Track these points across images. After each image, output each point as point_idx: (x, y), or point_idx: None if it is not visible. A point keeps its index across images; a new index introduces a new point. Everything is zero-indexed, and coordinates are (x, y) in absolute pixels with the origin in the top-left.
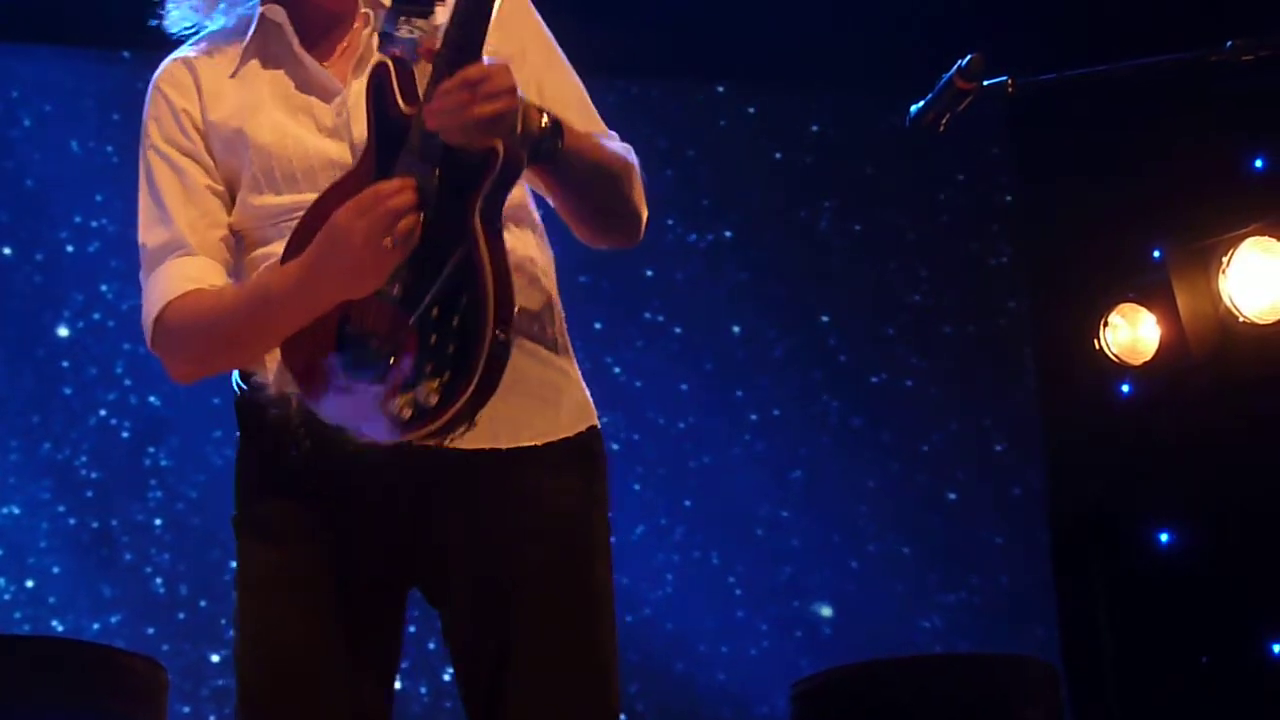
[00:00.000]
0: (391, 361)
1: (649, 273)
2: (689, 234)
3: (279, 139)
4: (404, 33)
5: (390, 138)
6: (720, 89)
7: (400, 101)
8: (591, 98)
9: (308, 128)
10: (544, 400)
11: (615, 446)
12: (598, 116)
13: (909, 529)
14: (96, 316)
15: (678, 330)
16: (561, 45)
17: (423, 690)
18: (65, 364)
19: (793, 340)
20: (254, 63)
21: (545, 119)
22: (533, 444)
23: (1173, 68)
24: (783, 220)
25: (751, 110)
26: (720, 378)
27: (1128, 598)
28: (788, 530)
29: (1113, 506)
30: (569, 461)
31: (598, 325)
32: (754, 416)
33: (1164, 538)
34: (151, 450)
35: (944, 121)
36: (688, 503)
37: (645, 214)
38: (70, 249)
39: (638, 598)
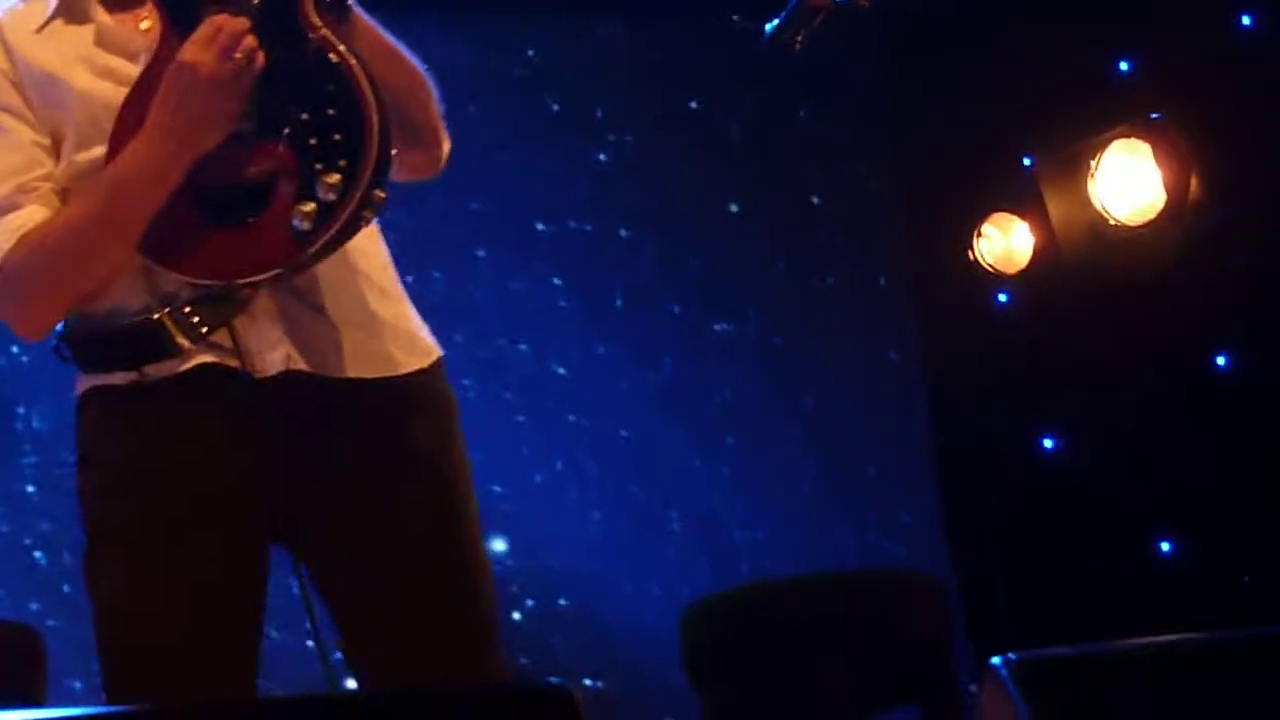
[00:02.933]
0: (274, 185)
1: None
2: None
3: (98, 92)
4: None
5: (185, 11)
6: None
7: None
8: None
9: (115, 82)
10: (395, 331)
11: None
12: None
13: (796, 451)
14: None
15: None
16: None
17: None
18: None
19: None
20: (58, 21)
21: None
22: (388, 375)
23: None
24: (656, 148)
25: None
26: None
27: (1015, 507)
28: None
29: (995, 416)
30: (424, 395)
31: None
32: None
33: (1048, 444)
34: (21, 411)
35: (799, 40)
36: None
37: (447, 144)
38: None
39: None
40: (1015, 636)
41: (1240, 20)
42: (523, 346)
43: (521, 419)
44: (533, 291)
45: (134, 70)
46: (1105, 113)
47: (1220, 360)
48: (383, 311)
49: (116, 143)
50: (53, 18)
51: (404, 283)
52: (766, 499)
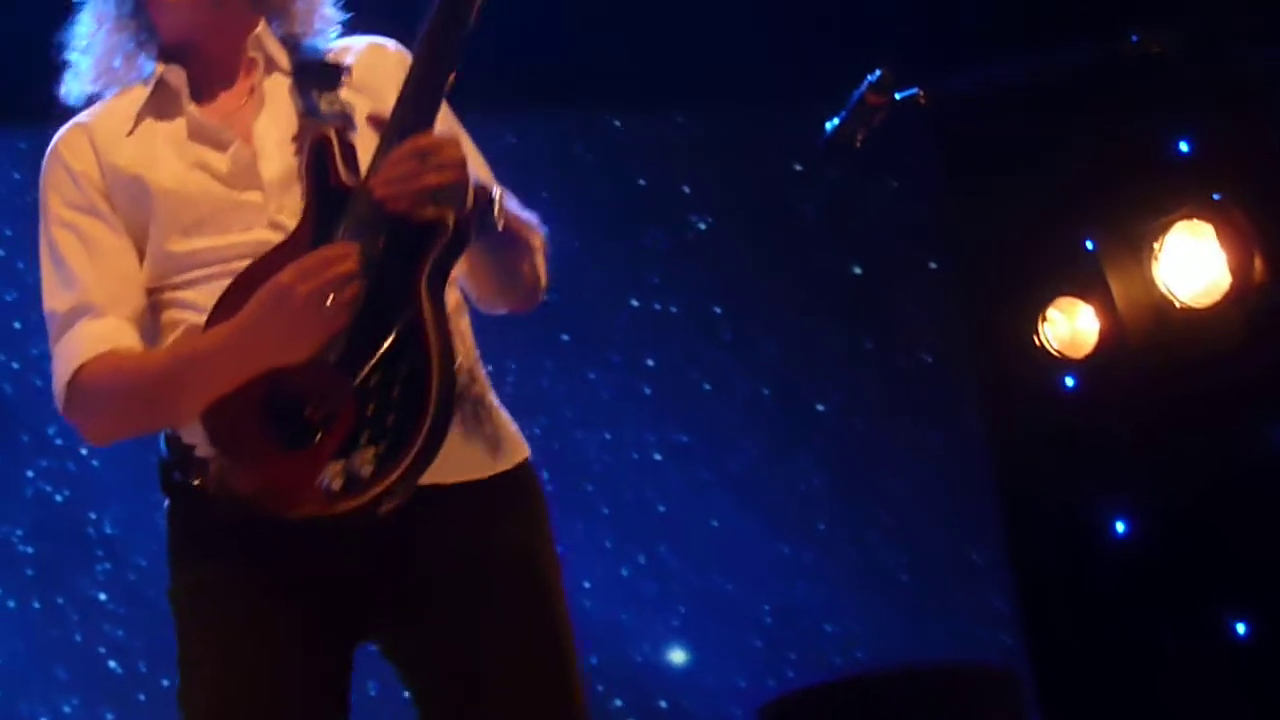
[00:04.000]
0: (325, 429)
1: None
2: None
3: (181, 185)
4: (326, 107)
5: (330, 207)
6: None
7: (342, 171)
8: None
9: (207, 174)
10: (481, 437)
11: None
12: (489, 172)
13: (860, 534)
14: (17, 371)
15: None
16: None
17: None
18: None
19: (734, 357)
20: (149, 120)
21: (487, 192)
22: (475, 478)
23: (1083, 64)
24: (726, 231)
25: (669, 141)
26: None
27: (1087, 592)
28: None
29: (1066, 501)
30: (511, 495)
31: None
32: (680, 450)
33: (1120, 528)
34: (93, 517)
35: (860, 138)
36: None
37: (545, 283)
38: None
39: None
40: None
41: None
42: (607, 435)
43: (606, 511)
44: (610, 380)
45: (223, 163)
46: (1167, 194)
47: None
48: (474, 411)
49: (222, 306)
50: (142, 117)
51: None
52: (852, 587)
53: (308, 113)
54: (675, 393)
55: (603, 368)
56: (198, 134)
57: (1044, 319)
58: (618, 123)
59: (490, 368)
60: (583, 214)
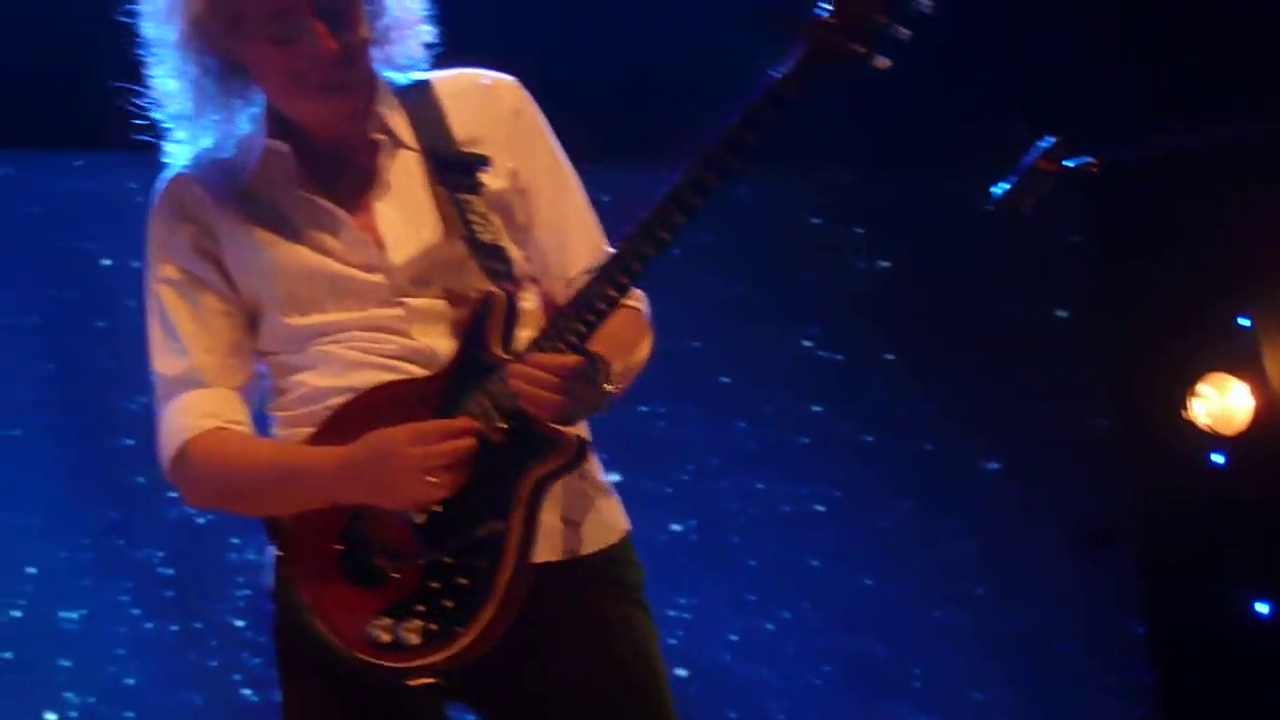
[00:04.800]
0: (389, 581)
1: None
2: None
3: (299, 263)
4: (458, 196)
5: (472, 371)
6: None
7: (498, 343)
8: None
9: (326, 255)
10: (586, 510)
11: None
12: (602, 236)
13: (1009, 601)
14: None
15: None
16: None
17: None
18: (137, 450)
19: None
20: (261, 192)
21: (609, 388)
22: (579, 555)
23: (1248, 139)
24: (849, 309)
25: (832, 200)
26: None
27: (1228, 671)
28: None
29: (1210, 578)
30: (613, 569)
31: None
32: (829, 507)
33: (1263, 610)
34: (235, 542)
35: (1028, 204)
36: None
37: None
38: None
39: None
40: None
41: None
42: (760, 485)
43: (753, 563)
44: (760, 432)
45: (342, 245)
46: None
47: None
48: (577, 486)
49: (335, 423)
50: (254, 185)
51: (630, 421)
52: (998, 654)
53: (451, 225)
54: (830, 445)
55: (752, 418)
56: (315, 213)
57: (1194, 394)
58: (780, 175)
59: (644, 408)
60: (742, 261)
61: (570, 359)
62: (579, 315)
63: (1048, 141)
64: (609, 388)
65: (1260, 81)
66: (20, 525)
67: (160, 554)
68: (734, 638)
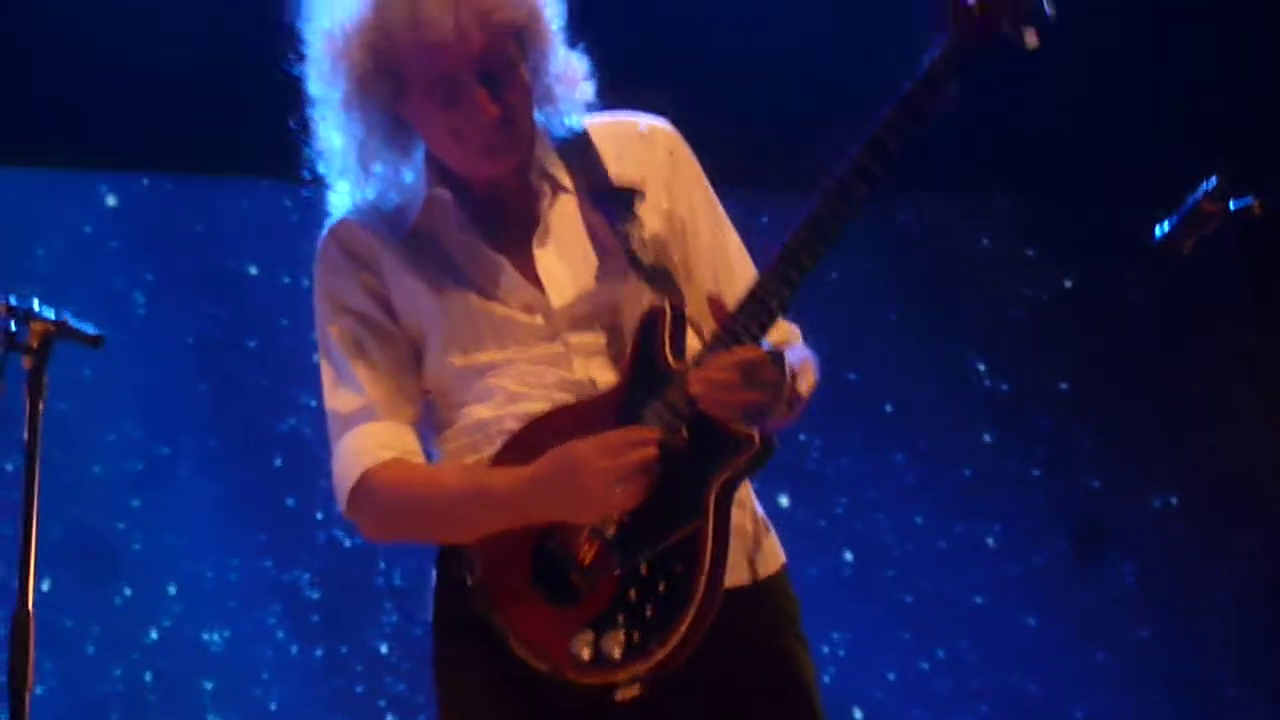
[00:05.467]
0: (585, 597)
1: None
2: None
3: (462, 308)
4: (623, 240)
5: (647, 383)
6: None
7: (669, 353)
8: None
9: (489, 299)
10: (748, 540)
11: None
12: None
13: (1174, 643)
14: (316, 412)
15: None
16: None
17: None
18: (287, 471)
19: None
20: (425, 237)
21: (800, 391)
22: (741, 584)
23: None
24: (1016, 337)
25: (993, 230)
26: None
27: None
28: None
29: None
30: (769, 600)
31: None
32: (991, 542)
33: None
34: (383, 566)
35: (1190, 244)
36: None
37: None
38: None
39: None
40: None
41: None
42: (918, 519)
43: (908, 599)
44: (916, 464)
45: (505, 291)
46: None
47: None
48: (740, 520)
49: (515, 446)
50: (417, 230)
51: (787, 454)
52: (1163, 699)
53: (612, 257)
54: (992, 479)
55: (908, 450)
56: (476, 258)
57: None
58: (939, 200)
59: (803, 436)
60: (902, 287)
61: (750, 351)
62: (753, 314)
63: (1211, 182)
64: (801, 390)
65: None
66: (169, 544)
67: (307, 576)
68: (891, 676)
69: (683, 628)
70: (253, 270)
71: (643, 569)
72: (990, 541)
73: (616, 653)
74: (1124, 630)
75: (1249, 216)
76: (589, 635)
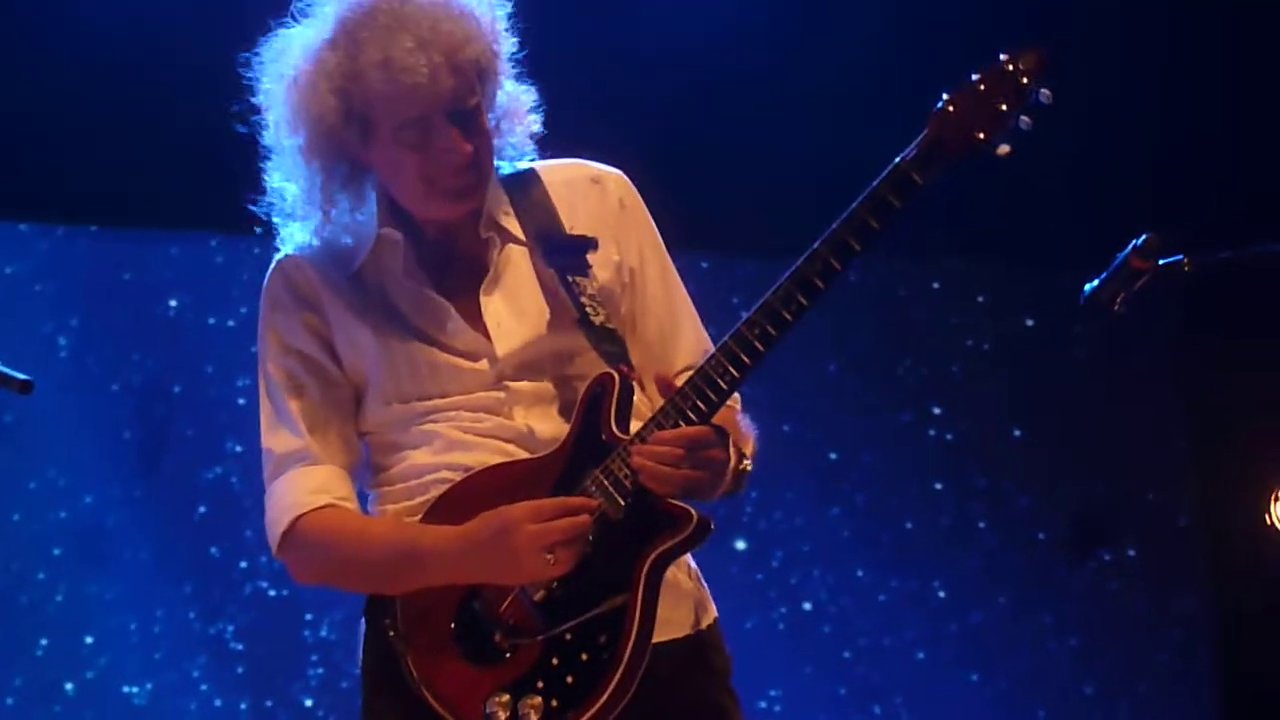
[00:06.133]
0: (507, 659)
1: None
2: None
3: (406, 352)
4: (569, 288)
5: (589, 451)
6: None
7: (614, 422)
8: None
9: (432, 345)
10: (681, 597)
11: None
12: (703, 330)
13: (1111, 700)
14: (249, 461)
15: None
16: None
17: None
18: (212, 520)
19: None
20: (373, 277)
21: (743, 467)
22: (671, 638)
23: None
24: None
25: (935, 285)
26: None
27: None
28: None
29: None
30: (701, 654)
31: None
32: (884, 597)
33: None
34: (310, 619)
35: (1119, 300)
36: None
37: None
38: (236, 401)
39: None
40: None
41: None
42: (858, 573)
43: (845, 655)
44: (850, 520)
45: (449, 334)
46: None
47: None
48: (676, 577)
49: (447, 502)
50: (364, 271)
51: (723, 506)
52: None
53: (561, 310)
54: (932, 533)
55: (845, 504)
56: (422, 303)
57: (1276, 499)
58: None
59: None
60: (842, 341)
61: (695, 429)
62: (701, 392)
63: (1141, 239)
64: (746, 465)
65: None
66: (92, 595)
67: (232, 628)
68: None
69: (602, 699)
70: (176, 313)
71: (567, 637)
72: (930, 596)
73: (533, 717)
74: (1065, 688)
75: (1179, 273)
76: (505, 698)
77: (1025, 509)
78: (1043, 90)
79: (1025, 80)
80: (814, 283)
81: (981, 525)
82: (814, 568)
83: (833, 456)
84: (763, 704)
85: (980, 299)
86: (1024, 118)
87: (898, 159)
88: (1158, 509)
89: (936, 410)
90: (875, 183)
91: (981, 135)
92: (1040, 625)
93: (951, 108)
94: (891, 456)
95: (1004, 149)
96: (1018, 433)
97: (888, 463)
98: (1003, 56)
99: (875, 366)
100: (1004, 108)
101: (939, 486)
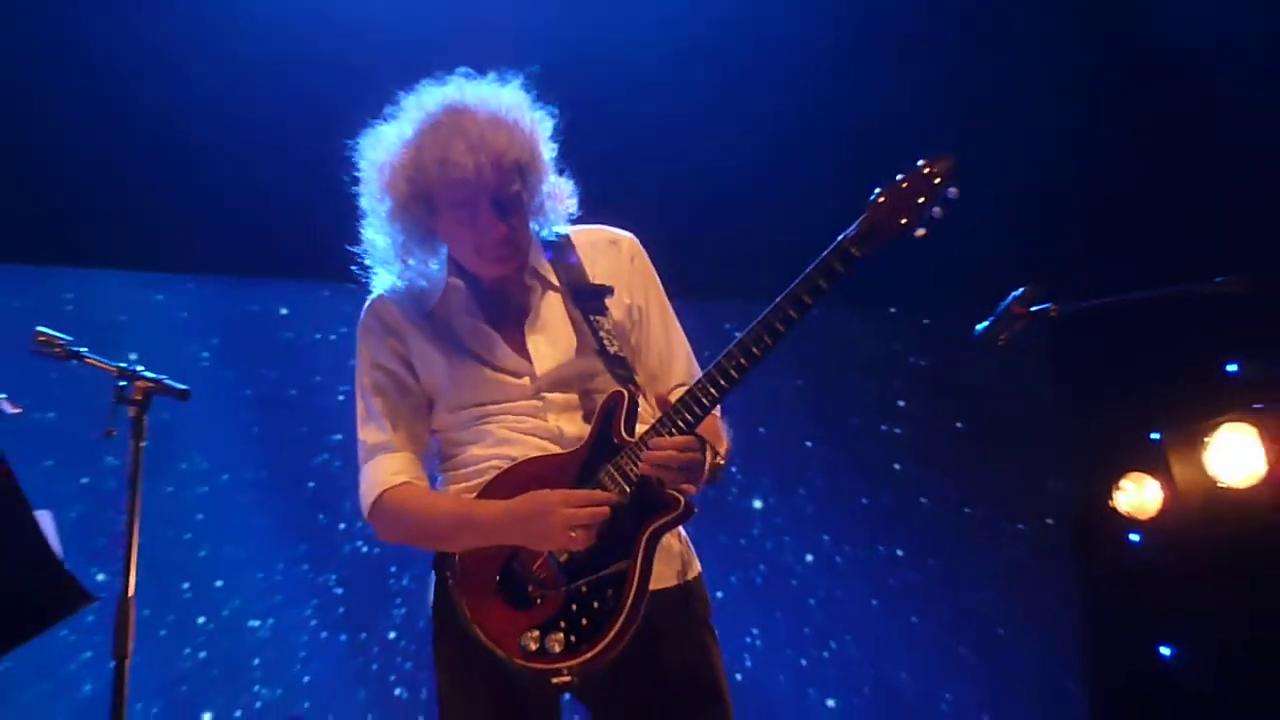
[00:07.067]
0: (537, 605)
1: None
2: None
3: (466, 373)
4: (595, 328)
5: (604, 449)
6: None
7: (623, 429)
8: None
9: (488, 367)
10: (676, 558)
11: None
12: (693, 357)
13: (966, 649)
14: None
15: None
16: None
17: None
18: (319, 495)
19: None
20: (443, 315)
21: (719, 462)
22: (664, 587)
23: (1178, 296)
24: (857, 424)
25: (875, 321)
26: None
27: (1143, 691)
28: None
29: (1129, 629)
30: (688, 600)
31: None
32: (840, 559)
33: (1166, 652)
34: (394, 571)
35: (1002, 339)
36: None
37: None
38: (337, 402)
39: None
40: None
41: None
42: (824, 537)
43: (810, 602)
44: (815, 500)
45: (502, 359)
46: (1219, 402)
47: None
48: (669, 541)
49: (501, 481)
50: (437, 311)
51: (709, 490)
52: (1016, 685)
53: (585, 342)
54: (884, 510)
55: (809, 486)
56: (480, 334)
57: (1119, 488)
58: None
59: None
60: (803, 364)
61: (683, 438)
62: (689, 407)
63: (1020, 291)
64: (720, 460)
65: (1189, 251)
66: (226, 552)
67: (335, 577)
68: (803, 662)
69: (609, 637)
70: (292, 336)
71: (583, 589)
72: (876, 558)
73: (556, 649)
74: (981, 630)
75: (1048, 317)
76: (535, 634)
77: (953, 490)
78: (951, 188)
79: (938, 181)
80: (776, 328)
81: (923, 501)
82: (785, 535)
83: (804, 446)
84: (746, 639)
85: (915, 332)
86: (936, 209)
87: (841, 236)
88: (1051, 495)
89: (878, 419)
90: (824, 253)
91: (904, 221)
92: (963, 581)
93: (882, 199)
94: (847, 450)
95: (920, 232)
96: (959, 424)
97: (843, 455)
98: (920, 162)
99: (832, 381)
100: (921, 201)
101: (879, 478)
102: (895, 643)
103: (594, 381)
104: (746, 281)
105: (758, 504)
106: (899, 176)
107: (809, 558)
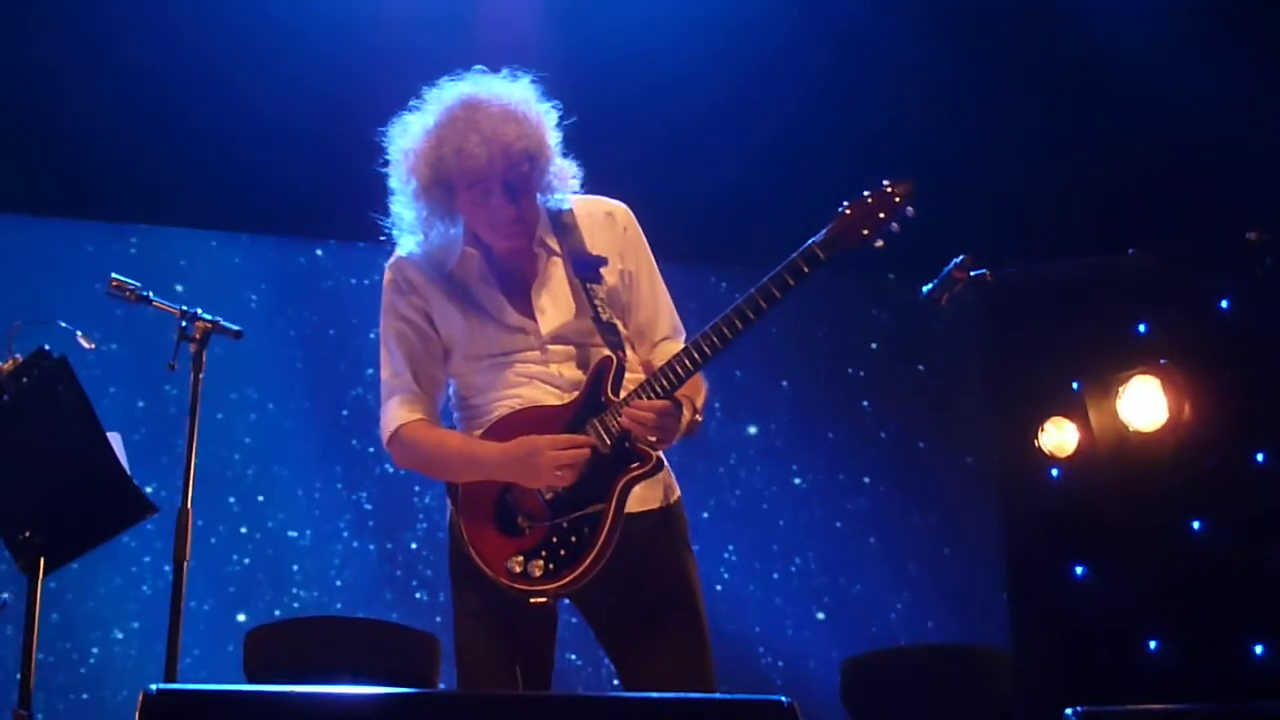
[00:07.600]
0: (524, 534)
1: None
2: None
3: (480, 327)
4: (592, 291)
5: (593, 405)
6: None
7: (610, 388)
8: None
9: (499, 325)
10: (659, 483)
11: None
12: (676, 315)
13: (914, 565)
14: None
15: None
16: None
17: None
18: (353, 422)
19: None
20: (460, 277)
21: (698, 418)
22: (648, 509)
23: (1095, 265)
24: (811, 375)
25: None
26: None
27: (1058, 607)
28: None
29: (1048, 553)
30: (669, 521)
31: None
32: (806, 485)
33: (1079, 571)
34: (418, 489)
35: (945, 299)
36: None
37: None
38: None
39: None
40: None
41: (1220, 304)
42: (793, 467)
43: (780, 523)
44: (784, 436)
45: (511, 317)
46: (1129, 357)
47: (1195, 524)
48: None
49: (503, 424)
50: (453, 273)
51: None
52: (953, 598)
53: (583, 306)
54: (848, 445)
55: (778, 423)
56: (491, 296)
57: (1043, 430)
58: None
59: (699, 417)
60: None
61: (661, 402)
62: (666, 376)
63: (960, 258)
64: (698, 417)
65: (1106, 228)
66: (272, 471)
67: (365, 494)
68: (774, 576)
69: (582, 567)
70: (332, 284)
71: (564, 525)
72: (835, 485)
73: (536, 573)
74: (928, 550)
75: (984, 282)
76: (520, 559)
77: (903, 427)
78: (909, 208)
79: (898, 200)
80: (747, 315)
81: (883, 435)
82: (757, 465)
83: (780, 386)
84: (724, 555)
85: (880, 290)
86: (895, 225)
87: (810, 240)
88: (984, 435)
89: (852, 371)
90: (794, 255)
91: (866, 233)
92: (913, 507)
93: (849, 211)
94: (813, 390)
95: (879, 243)
96: (921, 366)
97: (810, 395)
98: (885, 182)
99: (806, 331)
100: (882, 217)
101: (862, 406)
102: (853, 559)
103: (589, 339)
104: (735, 251)
105: (735, 435)
106: (865, 193)
107: (778, 485)
